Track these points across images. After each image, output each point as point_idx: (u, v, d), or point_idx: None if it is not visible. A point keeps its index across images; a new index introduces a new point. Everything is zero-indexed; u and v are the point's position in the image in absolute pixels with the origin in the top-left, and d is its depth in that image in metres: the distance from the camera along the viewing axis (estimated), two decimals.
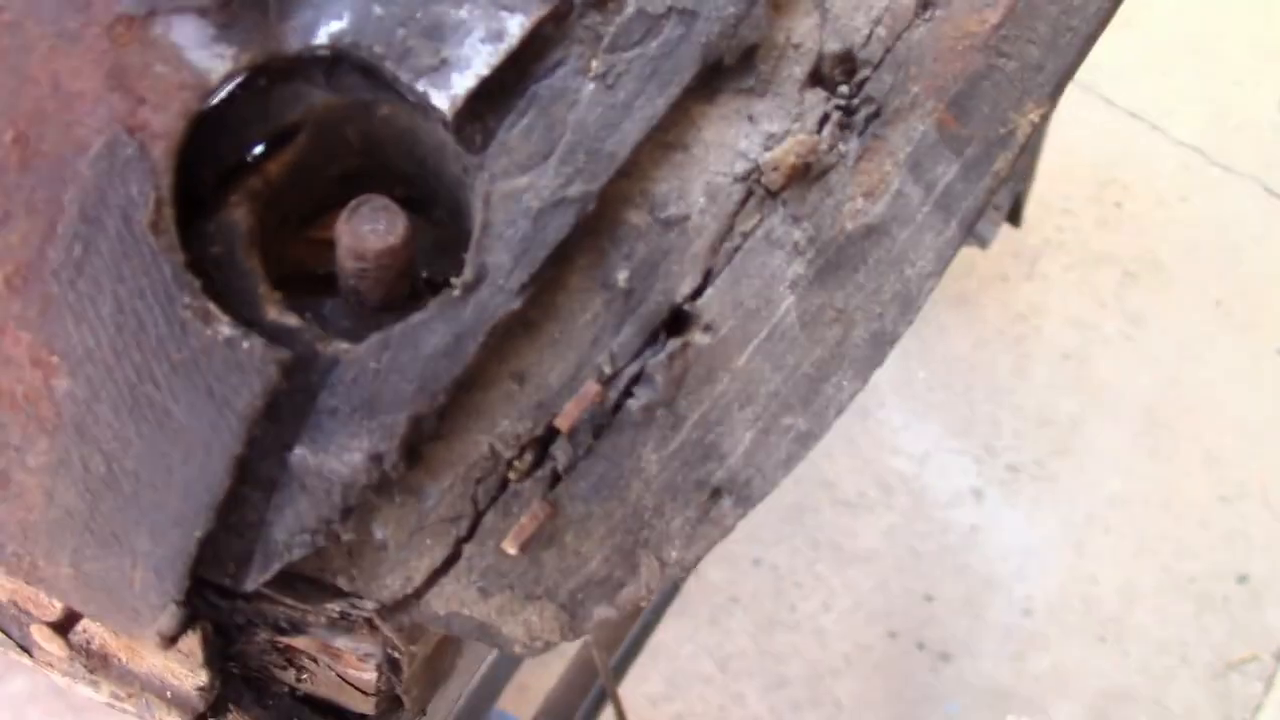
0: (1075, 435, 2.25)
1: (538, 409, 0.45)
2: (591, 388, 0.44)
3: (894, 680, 2.15)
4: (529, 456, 0.45)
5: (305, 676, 0.51)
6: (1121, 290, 2.33)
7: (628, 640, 1.47)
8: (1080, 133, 2.39)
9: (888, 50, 0.49)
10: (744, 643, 2.13)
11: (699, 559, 0.45)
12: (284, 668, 0.51)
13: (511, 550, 0.45)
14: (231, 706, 0.52)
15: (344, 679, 0.50)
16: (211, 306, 0.42)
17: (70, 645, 0.51)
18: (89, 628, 0.52)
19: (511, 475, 0.45)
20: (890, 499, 2.23)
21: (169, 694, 0.52)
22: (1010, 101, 0.49)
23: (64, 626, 0.50)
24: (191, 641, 0.47)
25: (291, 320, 0.44)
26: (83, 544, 0.44)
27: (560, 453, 0.45)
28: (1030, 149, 2.08)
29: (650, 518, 0.45)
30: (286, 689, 0.52)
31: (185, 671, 0.50)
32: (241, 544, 0.45)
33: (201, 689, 0.50)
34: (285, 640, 0.49)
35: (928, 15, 0.49)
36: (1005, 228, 2.28)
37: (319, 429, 0.43)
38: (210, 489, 0.43)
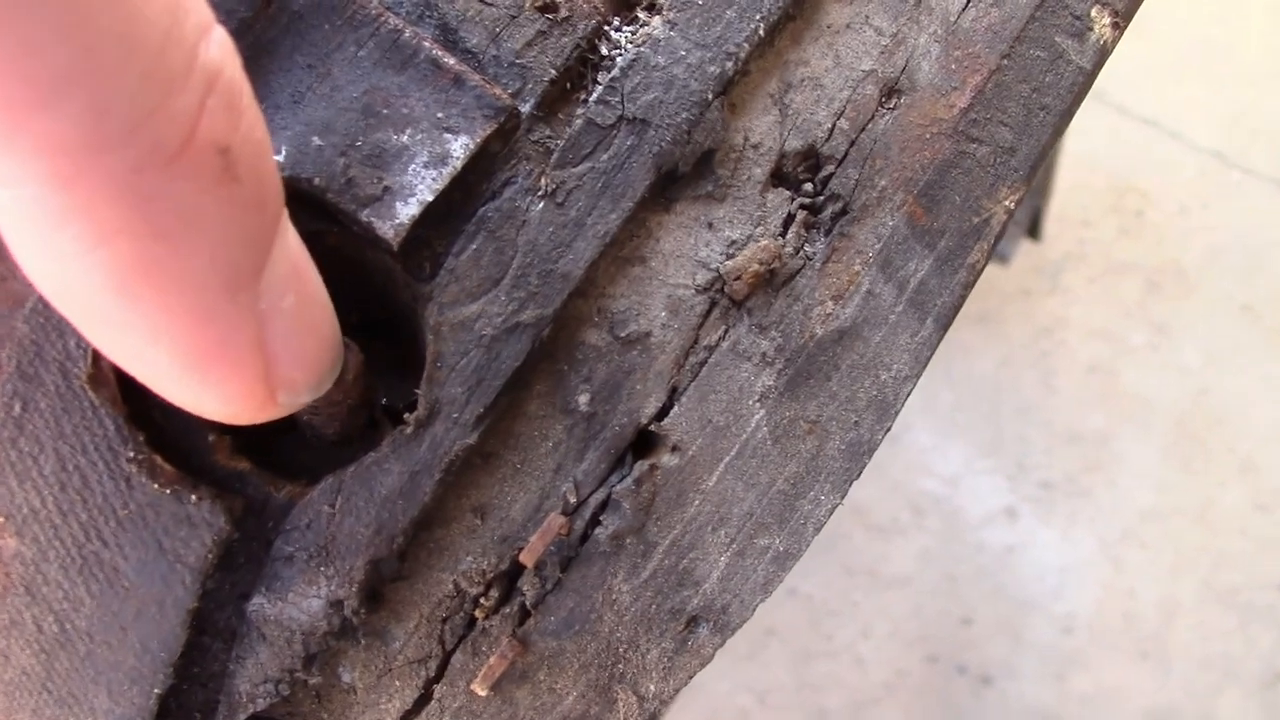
0: (1106, 449, 2.22)
1: (502, 543, 0.43)
2: (556, 520, 0.43)
3: (936, 706, 2.12)
4: (495, 593, 0.43)
5: None
6: (1146, 300, 2.30)
7: None
8: (1096, 143, 2.36)
9: (852, 144, 0.47)
10: (782, 675, 2.11)
11: (678, 691, 0.43)
12: None
13: (481, 691, 0.43)
14: None
15: None
16: (157, 459, 0.41)
17: None
18: None
19: (478, 613, 0.43)
20: (923, 522, 2.21)
21: None
22: (983, 189, 0.47)
23: None
24: None
25: (243, 465, 0.43)
26: (41, 704, 0.43)
27: (528, 587, 0.43)
28: (1048, 163, 2.06)
29: (625, 651, 0.43)
30: None
31: None
32: (205, 694, 0.43)
33: None
34: None
35: (892, 104, 0.47)
36: (1025, 243, 2.26)
37: (276, 577, 0.42)
38: (166, 645, 0.41)
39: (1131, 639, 2.06)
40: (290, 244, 0.34)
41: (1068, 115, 0.49)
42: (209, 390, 0.33)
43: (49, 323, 0.41)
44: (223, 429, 0.43)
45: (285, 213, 0.34)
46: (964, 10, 0.48)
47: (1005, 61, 0.48)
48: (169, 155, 0.29)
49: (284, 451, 0.45)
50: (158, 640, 0.41)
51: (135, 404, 0.42)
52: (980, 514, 2.16)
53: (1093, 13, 0.49)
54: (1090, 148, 2.28)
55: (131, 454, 0.40)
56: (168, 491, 0.40)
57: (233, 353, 0.33)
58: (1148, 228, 2.29)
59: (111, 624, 0.41)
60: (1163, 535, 2.11)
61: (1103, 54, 0.49)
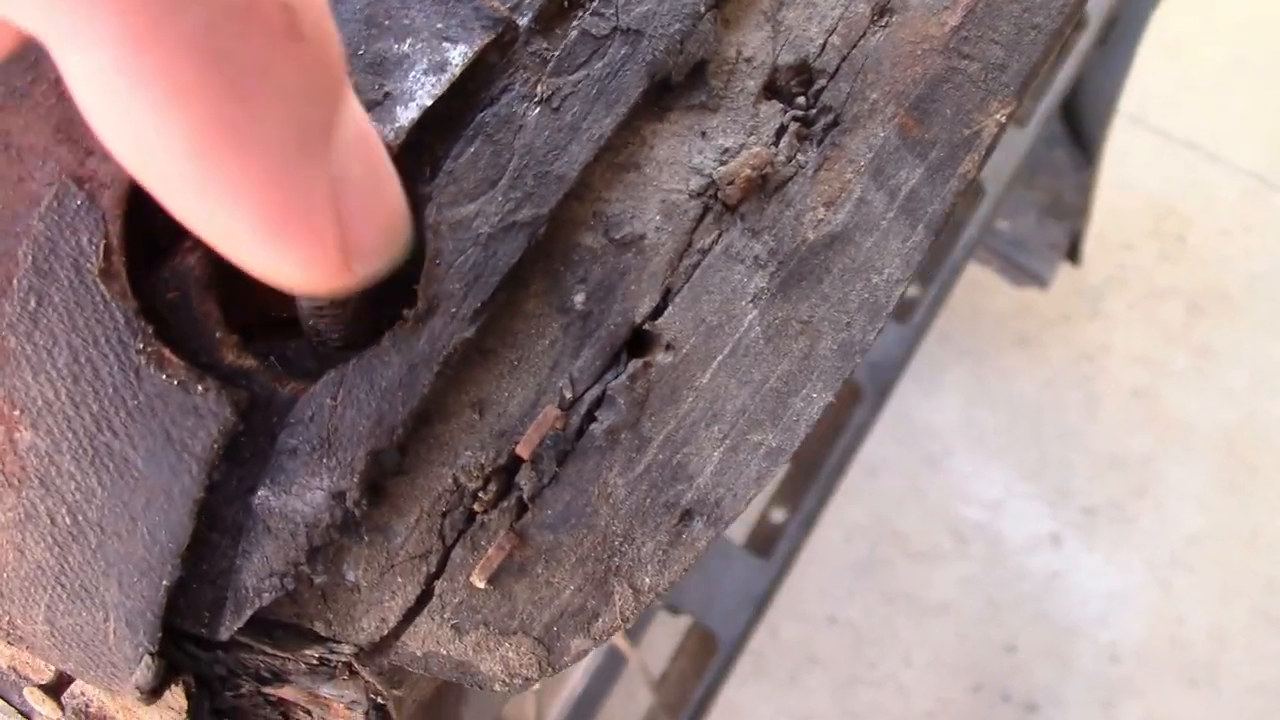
0: (1151, 474, 2.21)
1: (500, 438, 0.44)
2: (551, 412, 0.44)
3: None
4: (494, 487, 0.44)
5: None
6: (1189, 323, 2.29)
7: (693, 702, 1.45)
8: (1135, 167, 2.36)
9: (844, 58, 0.48)
10: (824, 702, 2.10)
11: (673, 584, 0.44)
12: None
13: (480, 583, 0.44)
14: None
15: None
16: (165, 351, 0.42)
17: (64, 708, 0.51)
18: (85, 690, 0.52)
19: (477, 507, 0.44)
20: (965, 548, 2.19)
21: None
22: (974, 102, 0.48)
23: (56, 689, 0.50)
24: (179, 696, 0.47)
25: (249, 362, 0.44)
26: (55, 598, 0.44)
27: (525, 481, 0.44)
28: (1084, 185, 2.06)
29: (621, 544, 0.44)
30: None
31: None
32: (214, 592, 0.44)
33: None
34: (272, 691, 0.48)
35: (884, 22, 0.49)
36: (1065, 267, 2.26)
37: (280, 470, 0.43)
38: (174, 535, 0.42)
39: (1180, 666, 2.04)
40: (355, 112, 0.36)
41: (1059, 35, 0.50)
42: (287, 256, 0.34)
43: (63, 219, 0.42)
44: (231, 328, 0.44)
45: (349, 82, 0.35)
46: None
47: None
48: (237, 11, 0.30)
49: (292, 358, 0.47)
50: (166, 530, 0.42)
51: (145, 300, 0.43)
52: (1023, 540, 2.15)
53: None
54: (1130, 171, 2.28)
55: (141, 346, 0.42)
56: (175, 383, 0.42)
57: (309, 215, 0.34)
58: (1189, 251, 2.28)
59: (122, 514, 0.43)
60: (1211, 560, 2.09)
61: None
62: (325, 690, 0.47)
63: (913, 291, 1.56)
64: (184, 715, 0.48)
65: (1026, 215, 2.13)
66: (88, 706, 0.53)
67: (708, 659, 1.50)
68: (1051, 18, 0.49)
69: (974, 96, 0.48)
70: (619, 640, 1.44)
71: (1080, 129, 2.03)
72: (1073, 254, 2.24)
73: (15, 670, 0.53)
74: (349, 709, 0.48)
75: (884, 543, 2.17)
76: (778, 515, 1.58)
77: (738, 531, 1.65)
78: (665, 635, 1.73)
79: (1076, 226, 2.15)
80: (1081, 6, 0.51)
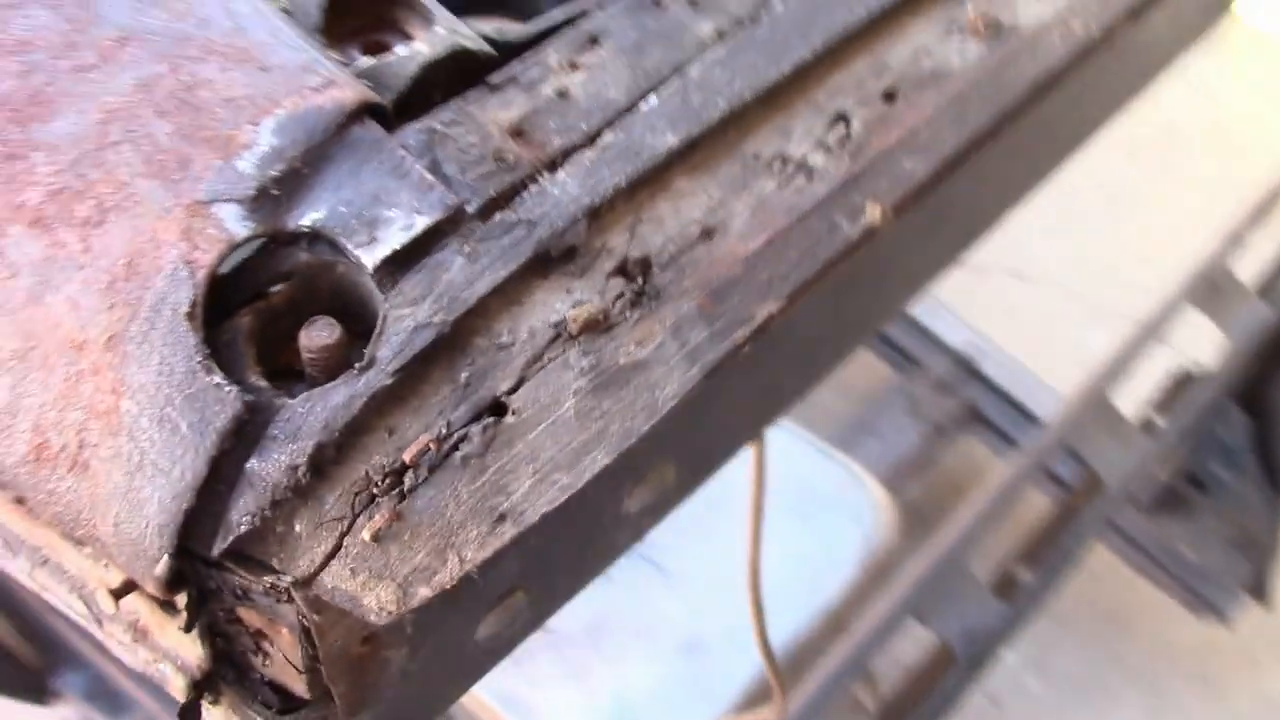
0: None
1: (398, 451, 0.70)
2: (425, 438, 0.70)
3: None
4: (388, 481, 0.70)
5: (267, 662, 0.76)
6: None
7: None
8: None
9: (673, 259, 0.74)
10: None
11: (485, 559, 0.68)
12: (255, 652, 0.76)
13: (366, 538, 0.69)
14: (220, 682, 0.76)
15: (286, 659, 0.74)
16: (212, 364, 0.71)
17: (122, 616, 0.78)
18: (136, 609, 0.78)
19: (376, 492, 0.70)
20: None
21: (179, 662, 0.77)
22: (756, 298, 0.73)
23: (120, 594, 0.77)
24: (184, 608, 0.73)
25: (262, 383, 0.72)
26: (121, 510, 0.72)
27: (408, 480, 0.70)
28: (1274, 525, 2.07)
29: (457, 529, 0.69)
30: (257, 674, 0.77)
31: (190, 646, 0.76)
32: (212, 524, 0.71)
33: (199, 660, 0.76)
34: (242, 612, 0.74)
35: (708, 240, 0.75)
36: (1256, 609, 2.24)
37: (264, 448, 0.70)
38: (195, 476, 0.70)
39: None
40: None
41: (833, 264, 0.74)
42: None
43: (174, 283, 0.72)
44: (261, 364, 0.73)
45: None
46: (776, 190, 0.76)
47: (795, 225, 0.74)
48: None
49: (296, 389, 0.74)
50: (191, 472, 0.70)
51: (212, 339, 0.72)
52: None
53: (868, 203, 0.75)
54: None
55: (199, 359, 0.70)
56: (213, 384, 0.70)
57: None
58: None
59: (170, 458, 0.70)
60: None
61: (871, 231, 0.75)
62: (273, 609, 0.72)
63: (1024, 576, 1.70)
64: (186, 620, 0.74)
65: (1210, 545, 2.14)
66: (137, 623, 0.79)
67: None
68: (829, 249, 0.74)
69: (758, 294, 0.73)
70: None
71: (1274, 465, 2.05)
72: (1259, 593, 2.21)
73: (91, 578, 0.79)
74: (289, 632, 0.73)
75: None
76: None
77: None
78: None
79: (1263, 565, 2.14)
80: (859, 247, 0.75)
